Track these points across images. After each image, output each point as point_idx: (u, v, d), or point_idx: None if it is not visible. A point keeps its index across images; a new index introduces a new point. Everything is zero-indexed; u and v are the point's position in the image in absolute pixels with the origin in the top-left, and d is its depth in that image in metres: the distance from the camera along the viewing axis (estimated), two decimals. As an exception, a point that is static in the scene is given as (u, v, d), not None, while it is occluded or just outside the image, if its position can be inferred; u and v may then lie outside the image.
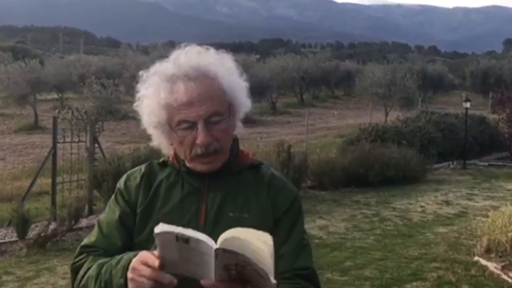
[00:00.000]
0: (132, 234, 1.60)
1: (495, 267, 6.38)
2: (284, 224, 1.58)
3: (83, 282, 1.53)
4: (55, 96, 31.39)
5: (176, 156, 1.63)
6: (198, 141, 1.50)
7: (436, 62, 55.72)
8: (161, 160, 1.68)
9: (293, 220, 1.61)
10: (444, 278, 6.20)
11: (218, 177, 1.60)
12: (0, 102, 29.28)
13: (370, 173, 12.55)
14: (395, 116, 20.63)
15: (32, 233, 7.75)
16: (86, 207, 9.17)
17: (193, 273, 1.31)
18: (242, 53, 36.12)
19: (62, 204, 9.01)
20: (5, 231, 8.34)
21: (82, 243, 1.66)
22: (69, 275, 5.57)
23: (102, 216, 1.67)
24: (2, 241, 7.83)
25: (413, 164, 13.49)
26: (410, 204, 10.84)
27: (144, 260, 1.33)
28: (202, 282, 1.27)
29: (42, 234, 7.44)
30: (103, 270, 1.47)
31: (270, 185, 1.63)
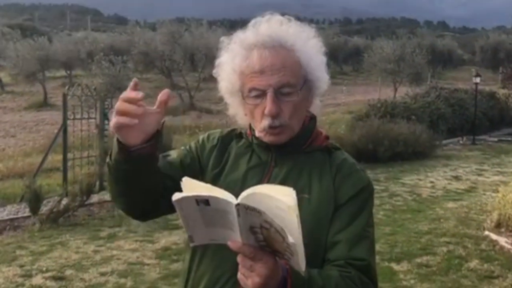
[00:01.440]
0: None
1: (506, 242, 6.39)
2: (346, 211, 1.50)
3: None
4: (64, 73, 31.38)
5: (250, 128, 1.61)
6: (266, 110, 1.47)
7: (445, 37, 55.14)
8: (239, 131, 1.67)
9: (357, 209, 1.51)
10: (454, 253, 6.22)
11: (286, 152, 1.56)
12: (9, 80, 29.36)
13: (379, 149, 12.55)
14: (404, 92, 20.52)
15: (45, 208, 7.82)
16: (97, 183, 9.24)
17: (221, 238, 1.29)
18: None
19: (73, 180, 9.08)
20: (18, 207, 8.42)
21: None
22: (82, 249, 5.63)
23: (173, 151, 1.68)
24: (15, 216, 7.91)
25: (422, 139, 13.48)
26: (420, 179, 10.84)
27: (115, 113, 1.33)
28: (229, 244, 1.26)
29: (54, 210, 7.51)
30: None
31: (338, 169, 1.56)
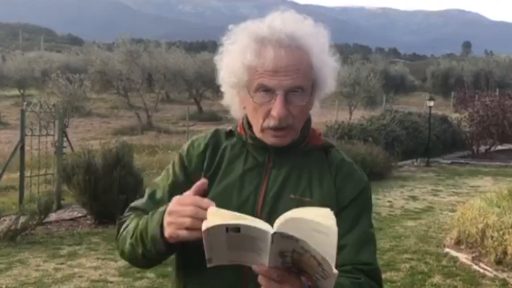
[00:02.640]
0: None
1: (466, 258, 6.54)
2: (348, 214, 1.46)
3: (123, 234, 1.49)
4: (17, 92, 30.72)
5: (243, 126, 1.54)
6: (274, 112, 1.41)
7: (397, 63, 56.60)
8: (228, 129, 1.59)
9: (359, 210, 1.49)
10: (417, 269, 6.33)
11: (284, 153, 1.50)
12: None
13: (338, 169, 12.66)
14: (359, 115, 20.88)
15: (1, 226, 7.58)
16: (55, 201, 9.02)
17: (243, 259, 1.24)
18: (206, 52, 35.87)
19: (30, 198, 8.85)
20: (-28, 225, 8.11)
21: (132, 204, 1.58)
22: (42, 267, 5.47)
23: (157, 179, 1.60)
24: (-31, 235, 7.62)
25: (379, 160, 13.69)
26: (378, 199, 10.99)
27: (180, 201, 1.30)
28: (254, 268, 1.20)
29: (12, 228, 7.28)
30: (140, 221, 1.44)
31: (338, 170, 1.52)
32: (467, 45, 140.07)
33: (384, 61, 53.36)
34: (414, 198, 11.36)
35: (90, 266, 6.24)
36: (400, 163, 15.89)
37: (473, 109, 19.20)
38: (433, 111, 18.33)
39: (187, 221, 1.26)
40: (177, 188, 1.49)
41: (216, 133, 1.59)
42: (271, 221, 1.18)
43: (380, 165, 13.66)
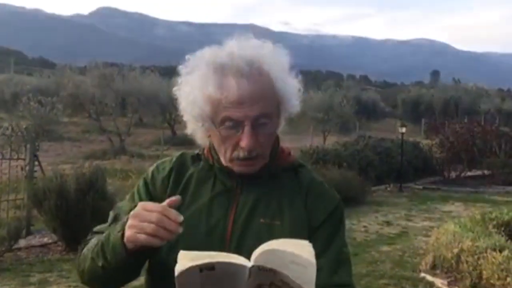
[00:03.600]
0: None
1: (442, 283, 6.56)
2: (322, 235, 1.45)
3: (83, 254, 1.44)
4: (-15, 115, 30.22)
5: (210, 150, 1.51)
6: (243, 144, 1.39)
7: (369, 90, 57.34)
8: (195, 152, 1.57)
9: (333, 230, 1.47)
10: (394, 294, 6.32)
11: (253, 177, 1.47)
12: None
13: (313, 194, 12.66)
14: (332, 140, 21.04)
15: (-32, 253, 7.36)
16: (24, 227, 8.81)
17: None
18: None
19: (-1, 224, 8.62)
20: None
21: (95, 229, 1.53)
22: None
23: (121, 203, 1.56)
24: None
25: (353, 185, 13.74)
26: (353, 224, 11.00)
27: (146, 207, 1.26)
28: None
29: (-21, 254, 7.08)
30: (102, 235, 1.40)
31: (308, 191, 1.50)
32: (435, 74, 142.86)
33: (356, 88, 54.04)
34: (388, 223, 11.40)
35: (62, 294, 6.08)
36: (373, 188, 15.98)
37: (444, 136, 19.48)
38: (404, 138, 18.56)
39: (150, 227, 1.23)
40: None
41: (181, 156, 1.58)
42: (241, 247, 1.17)
43: (354, 190, 13.71)
